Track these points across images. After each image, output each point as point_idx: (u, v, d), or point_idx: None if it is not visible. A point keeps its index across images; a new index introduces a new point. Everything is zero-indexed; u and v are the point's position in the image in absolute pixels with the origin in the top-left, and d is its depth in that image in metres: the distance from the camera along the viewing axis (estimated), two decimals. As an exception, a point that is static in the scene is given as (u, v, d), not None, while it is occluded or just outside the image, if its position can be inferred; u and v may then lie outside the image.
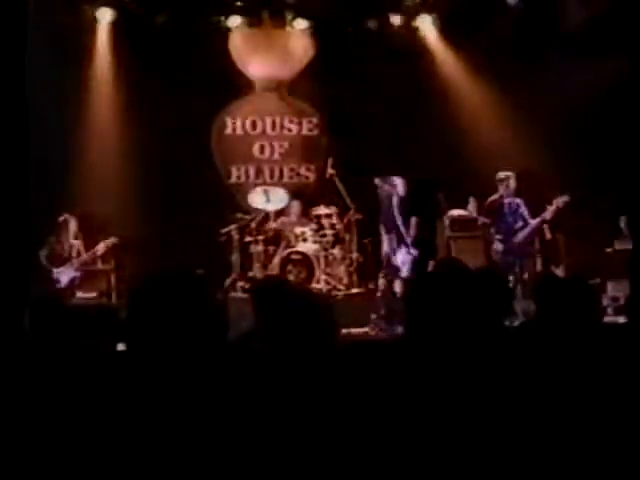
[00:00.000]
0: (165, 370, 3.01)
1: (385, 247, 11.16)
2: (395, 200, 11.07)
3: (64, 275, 11.00)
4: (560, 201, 10.76)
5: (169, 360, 3.01)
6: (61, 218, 11.11)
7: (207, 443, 2.95)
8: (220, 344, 3.19)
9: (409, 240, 11.01)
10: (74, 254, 11.16)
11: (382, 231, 11.20)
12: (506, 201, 11.06)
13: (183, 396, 2.97)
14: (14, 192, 10.57)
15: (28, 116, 10.61)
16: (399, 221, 11.04)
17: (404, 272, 10.86)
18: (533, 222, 10.97)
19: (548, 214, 10.88)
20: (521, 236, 11.00)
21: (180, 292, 3.09)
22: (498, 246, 10.99)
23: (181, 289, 3.10)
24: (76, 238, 11.23)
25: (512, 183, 11.02)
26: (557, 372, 3.61)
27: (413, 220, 11.06)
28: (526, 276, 10.77)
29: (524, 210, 11.03)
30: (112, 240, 11.14)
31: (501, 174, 11.04)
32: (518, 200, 11.06)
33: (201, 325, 3.07)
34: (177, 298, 3.07)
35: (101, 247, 11.12)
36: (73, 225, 11.15)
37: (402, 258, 10.98)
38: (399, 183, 11.12)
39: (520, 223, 11.02)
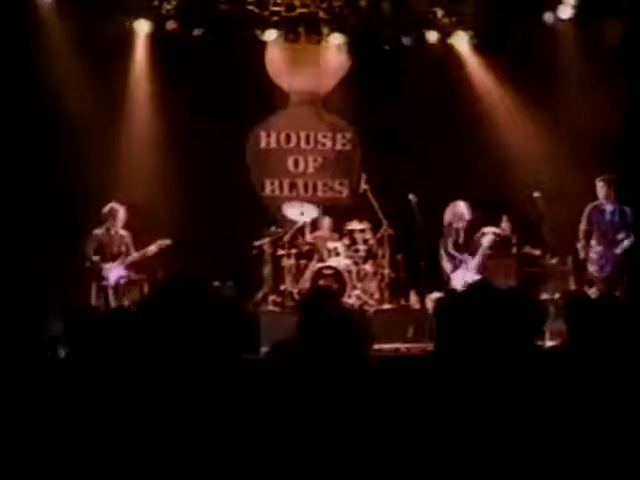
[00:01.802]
0: (185, 379, 3.02)
1: (446, 267, 11.09)
2: (462, 223, 11.06)
3: (112, 273, 10.73)
4: None
5: (186, 369, 3.02)
6: (108, 206, 10.87)
7: (233, 451, 2.95)
8: (249, 355, 3.20)
9: (475, 261, 10.92)
10: (123, 248, 10.82)
11: (443, 252, 11.11)
12: (608, 207, 10.80)
13: (206, 406, 2.97)
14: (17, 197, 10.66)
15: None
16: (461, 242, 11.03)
17: None
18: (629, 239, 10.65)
19: None
20: (622, 248, 10.72)
21: (194, 302, 3.10)
22: (597, 249, 10.75)
23: (195, 300, 3.11)
24: (125, 229, 10.91)
25: (612, 188, 10.74)
26: (589, 392, 3.58)
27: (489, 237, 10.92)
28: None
29: (630, 219, 10.68)
30: (166, 242, 10.82)
31: (600, 178, 10.79)
32: (626, 208, 10.73)
33: (226, 336, 3.07)
34: (191, 308, 3.07)
35: (153, 248, 10.83)
36: (122, 214, 10.85)
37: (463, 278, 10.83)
38: (464, 207, 11.10)
39: (622, 234, 10.74)
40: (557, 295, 10.63)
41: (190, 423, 2.96)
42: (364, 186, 11.94)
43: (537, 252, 11.33)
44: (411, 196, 11.28)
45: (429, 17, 12.16)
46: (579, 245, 10.94)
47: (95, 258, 10.69)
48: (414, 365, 3.84)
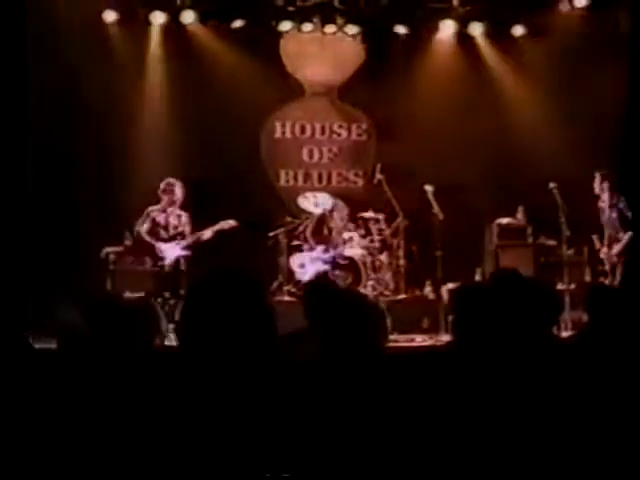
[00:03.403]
0: (215, 370, 3.02)
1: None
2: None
3: (170, 252, 10.30)
4: None
5: (219, 360, 3.02)
6: (164, 183, 10.51)
7: (254, 437, 2.95)
8: (268, 346, 3.20)
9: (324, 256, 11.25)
10: (181, 228, 10.42)
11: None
12: (603, 205, 10.64)
13: (229, 394, 2.98)
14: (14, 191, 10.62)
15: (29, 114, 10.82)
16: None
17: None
18: (626, 236, 10.52)
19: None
20: (616, 249, 10.57)
21: (234, 294, 3.09)
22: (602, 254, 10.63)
23: (235, 291, 3.10)
24: (183, 209, 10.50)
25: (601, 184, 10.64)
26: (611, 379, 3.58)
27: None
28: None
29: (628, 216, 10.49)
30: (230, 222, 10.45)
31: (599, 172, 10.69)
32: (621, 203, 10.54)
33: (251, 328, 3.08)
34: (231, 300, 3.07)
35: (216, 227, 10.43)
36: (180, 192, 10.48)
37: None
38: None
39: (622, 232, 10.55)
40: (573, 286, 10.60)
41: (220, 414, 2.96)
42: (379, 176, 11.92)
43: (553, 242, 11.31)
44: (427, 186, 11.25)
45: (445, 7, 12.14)
46: (595, 236, 10.89)
47: (149, 238, 10.29)
48: (431, 357, 3.84)
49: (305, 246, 11.43)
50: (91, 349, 3.81)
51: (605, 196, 10.68)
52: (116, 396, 3.31)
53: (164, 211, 10.43)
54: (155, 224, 10.39)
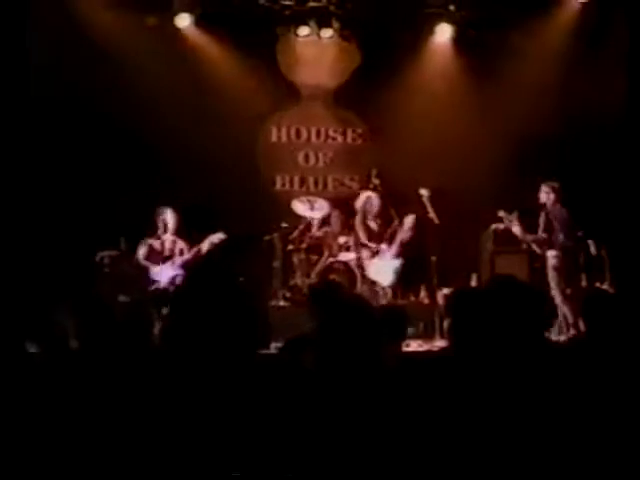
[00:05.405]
0: (204, 372, 3.01)
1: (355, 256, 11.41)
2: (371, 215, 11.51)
3: (163, 274, 10.57)
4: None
5: (207, 363, 3.01)
6: (158, 213, 10.74)
7: (247, 441, 2.93)
8: (261, 350, 3.19)
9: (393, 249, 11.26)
10: (177, 251, 10.67)
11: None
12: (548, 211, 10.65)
13: (221, 399, 2.96)
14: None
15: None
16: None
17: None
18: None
19: None
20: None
21: (220, 297, 3.08)
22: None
23: (221, 294, 3.09)
24: (177, 234, 10.75)
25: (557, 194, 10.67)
26: (606, 384, 3.57)
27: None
28: (568, 292, 10.56)
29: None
30: (219, 236, 10.62)
31: (545, 184, 10.72)
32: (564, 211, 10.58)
33: (241, 330, 3.06)
34: (217, 302, 3.06)
35: (206, 244, 10.61)
36: (172, 219, 10.71)
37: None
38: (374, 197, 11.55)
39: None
40: (568, 291, 10.57)
41: (208, 417, 2.95)
42: (375, 181, 11.92)
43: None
44: (423, 190, 11.23)
45: (441, 11, 12.16)
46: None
47: (145, 263, 10.64)
48: (427, 361, 3.83)
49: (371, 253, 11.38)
50: (81, 353, 3.79)
51: (549, 206, 10.68)
52: (104, 399, 3.29)
53: (159, 238, 10.74)
54: (151, 250, 10.69)
